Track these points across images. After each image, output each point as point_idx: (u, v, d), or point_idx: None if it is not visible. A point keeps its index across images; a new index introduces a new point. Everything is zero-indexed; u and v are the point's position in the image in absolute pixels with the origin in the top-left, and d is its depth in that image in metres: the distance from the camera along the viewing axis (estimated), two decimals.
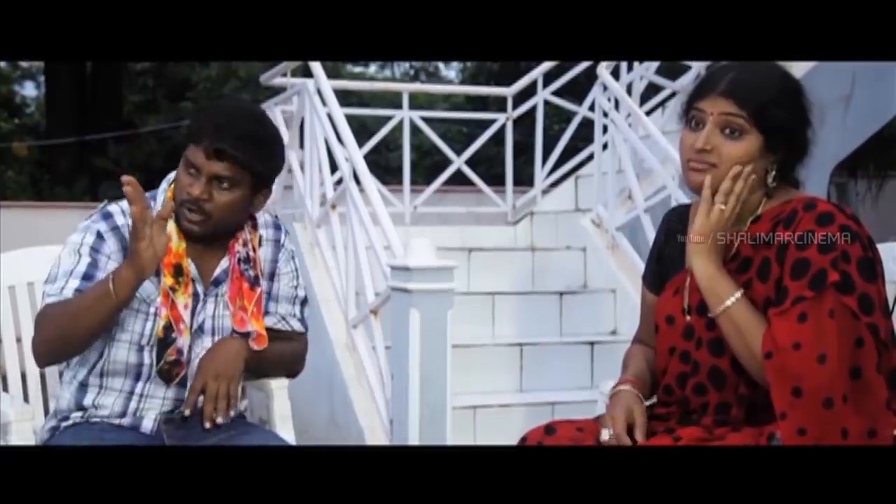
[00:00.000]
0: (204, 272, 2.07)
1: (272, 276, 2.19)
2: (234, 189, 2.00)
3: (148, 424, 2.05)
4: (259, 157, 2.00)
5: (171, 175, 2.08)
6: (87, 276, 1.97)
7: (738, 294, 1.72)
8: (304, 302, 2.25)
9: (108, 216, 2.04)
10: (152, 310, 2.02)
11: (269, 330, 2.16)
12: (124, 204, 2.03)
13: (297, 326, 2.23)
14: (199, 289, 2.07)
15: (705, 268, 1.75)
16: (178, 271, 2.03)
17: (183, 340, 2.03)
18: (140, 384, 2.05)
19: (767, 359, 1.65)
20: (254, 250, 2.14)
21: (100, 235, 2.01)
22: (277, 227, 2.22)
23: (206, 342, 2.08)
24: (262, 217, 2.20)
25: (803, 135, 1.79)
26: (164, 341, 2.02)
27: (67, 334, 1.94)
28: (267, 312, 2.18)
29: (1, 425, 2.05)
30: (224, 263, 2.09)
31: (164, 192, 2.07)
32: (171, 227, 2.02)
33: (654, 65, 5.73)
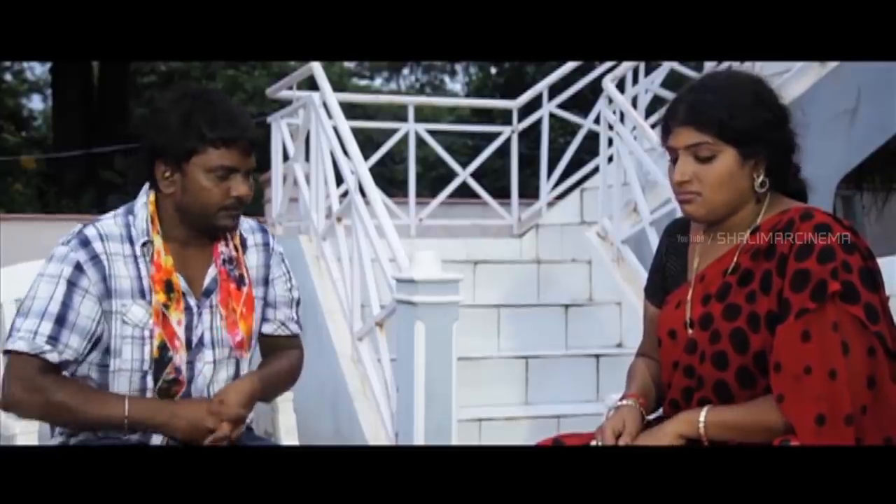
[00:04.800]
0: (193, 284, 2.03)
1: (266, 282, 2.16)
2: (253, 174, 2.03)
3: (157, 440, 2.01)
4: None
5: (147, 186, 2.03)
6: (59, 320, 1.92)
7: (703, 410, 1.74)
8: (298, 303, 2.23)
9: (85, 243, 1.96)
10: (146, 333, 1.96)
11: (268, 336, 2.17)
12: (101, 226, 1.99)
13: (295, 329, 2.22)
14: (192, 302, 2.02)
15: (664, 436, 1.75)
16: (169, 287, 1.98)
17: (180, 357, 1.99)
18: None
19: (781, 402, 1.65)
20: (236, 250, 2.09)
21: (79, 267, 1.94)
22: (264, 231, 2.19)
23: (208, 356, 2.03)
24: (247, 222, 2.17)
25: (778, 132, 1.78)
26: (161, 361, 1.97)
27: (60, 421, 1.98)
28: (266, 319, 2.16)
29: (5, 438, 2.05)
30: (212, 272, 2.05)
31: (144, 206, 2.01)
32: (159, 242, 1.99)
33: (660, 78, 5.74)
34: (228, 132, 1.94)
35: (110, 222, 2.01)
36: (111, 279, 1.95)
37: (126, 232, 1.99)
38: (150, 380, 1.98)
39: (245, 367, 2.11)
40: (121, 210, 2.04)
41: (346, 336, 4.23)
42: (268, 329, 2.17)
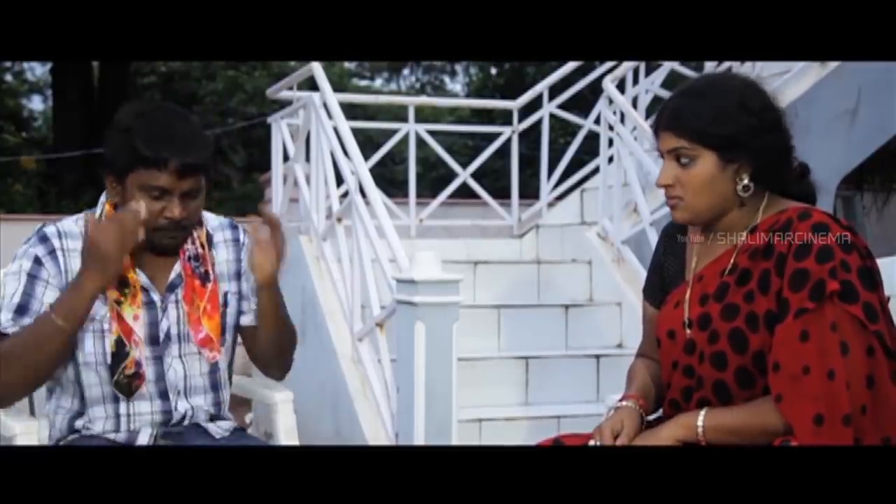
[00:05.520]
0: (158, 280, 2.05)
1: (239, 276, 2.17)
2: (200, 195, 2.02)
3: (143, 439, 2.03)
4: (211, 155, 2.01)
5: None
6: (20, 309, 1.95)
7: (700, 414, 1.73)
8: None
9: (44, 239, 2.01)
10: (105, 326, 1.99)
11: (250, 328, 2.17)
12: (61, 224, 2.04)
13: None
14: (156, 297, 2.04)
15: (661, 440, 1.75)
16: (123, 283, 2.00)
17: (140, 352, 2.00)
18: (122, 405, 2.02)
19: (779, 402, 1.65)
20: (202, 247, 2.12)
21: (37, 260, 1.99)
22: (234, 227, 2.20)
23: (174, 350, 2.05)
24: (218, 219, 2.19)
25: (764, 136, 1.76)
26: (118, 355, 1.99)
27: (24, 374, 1.93)
28: (243, 312, 2.18)
29: (5, 438, 2.05)
30: (177, 268, 2.07)
31: (102, 205, 2.06)
32: None
33: (660, 78, 5.74)
34: (161, 153, 1.93)
35: (70, 221, 2.05)
36: (68, 274, 1.98)
37: (85, 231, 2.00)
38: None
39: (222, 364, 2.13)
40: (83, 213, 2.07)
41: (347, 336, 4.23)
42: (246, 321, 2.18)
